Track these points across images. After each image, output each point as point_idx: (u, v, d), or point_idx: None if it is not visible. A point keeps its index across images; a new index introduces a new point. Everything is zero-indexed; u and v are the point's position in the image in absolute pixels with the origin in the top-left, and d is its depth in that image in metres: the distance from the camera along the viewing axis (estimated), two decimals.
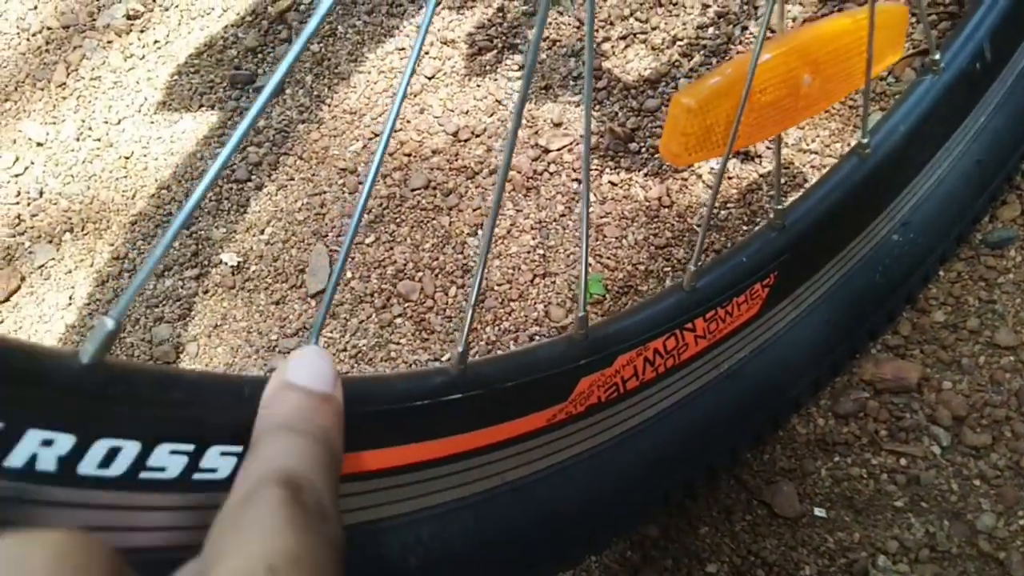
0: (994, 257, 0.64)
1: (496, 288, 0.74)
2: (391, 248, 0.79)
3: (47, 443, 0.27)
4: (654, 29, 0.85)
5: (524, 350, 0.46)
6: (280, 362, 0.34)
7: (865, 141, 0.56)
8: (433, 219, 0.80)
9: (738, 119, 0.45)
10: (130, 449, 0.29)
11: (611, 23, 0.87)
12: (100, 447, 0.29)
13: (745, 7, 0.83)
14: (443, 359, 0.72)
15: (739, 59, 0.47)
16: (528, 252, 0.76)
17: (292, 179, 0.86)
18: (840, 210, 0.56)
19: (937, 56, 0.59)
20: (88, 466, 0.29)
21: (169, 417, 0.30)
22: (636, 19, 0.87)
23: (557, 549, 0.48)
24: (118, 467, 0.29)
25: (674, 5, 0.86)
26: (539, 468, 0.46)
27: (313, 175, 0.86)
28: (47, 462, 0.28)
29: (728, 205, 0.73)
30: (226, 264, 0.82)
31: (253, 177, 0.87)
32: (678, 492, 0.54)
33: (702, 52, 0.82)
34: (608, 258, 0.73)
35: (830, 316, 0.58)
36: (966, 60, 0.60)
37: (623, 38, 0.86)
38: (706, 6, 0.85)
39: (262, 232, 0.83)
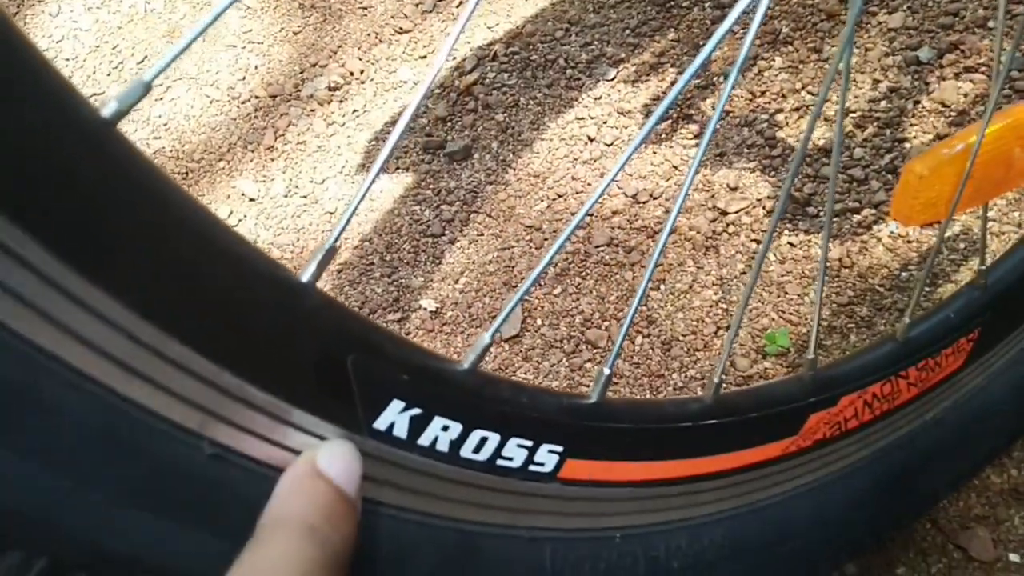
0: None
1: (681, 338, 0.80)
2: (577, 299, 0.86)
3: (445, 428, 0.34)
4: (826, 101, 0.91)
5: (764, 385, 0.51)
6: (321, 445, 0.31)
7: None
8: (616, 274, 0.86)
9: (962, 186, 0.50)
10: (493, 440, 0.36)
11: (783, 95, 0.93)
12: (475, 436, 0.35)
13: (916, 83, 0.88)
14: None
15: (963, 132, 0.52)
16: (710, 306, 0.81)
17: (482, 234, 0.94)
18: None
19: None
20: (467, 450, 0.35)
21: (520, 416, 0.37)
22: (808, 92, 0.92)
23: (783, 570, 0.53)
24: (484, 453, 0.36)
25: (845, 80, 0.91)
26: (773, 494, 0.51)
27: (501, 231, 0.94)
28: (443, 443, 0.35)
29: (909, 267, 0.77)
30: (425, 309, 0.90)
31: (447, 232, 0.96)
32: (887, 529, 0.58)
33: (875, 123, 0.87)
34: (791, 314, 0.78)
35: None
36: None
37: (795, 110, 0.92)
38: (877, 81, 0.90)
39: (456, 281, 0.91)
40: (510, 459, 0.37)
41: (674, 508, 0.46)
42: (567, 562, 0.41)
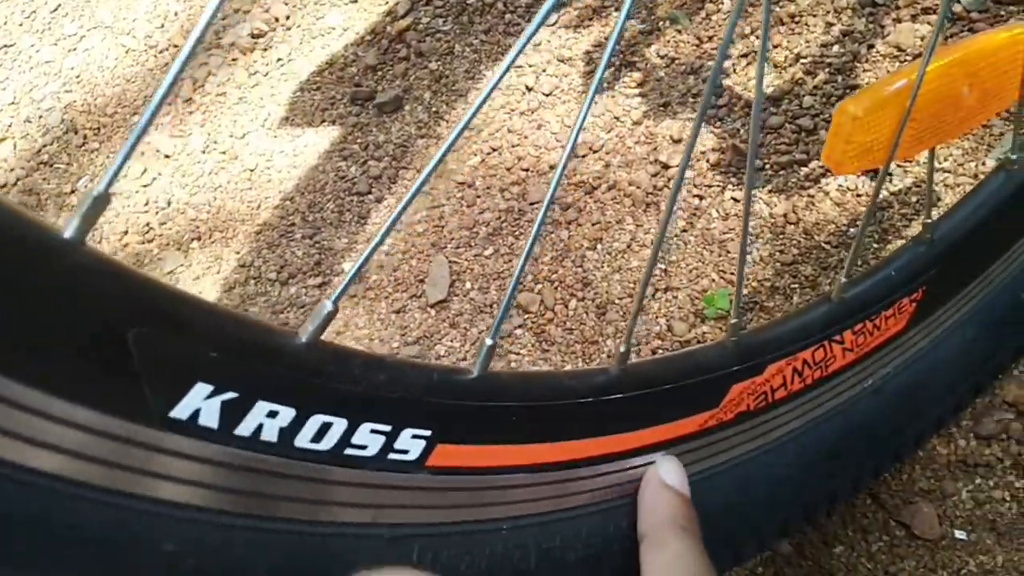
0: None
1: (617, 302, 0.75)
2: (510, 260, 0.80)
3: (272, 415, 0.29)
4: (776, 47, 0.85)
5: (680, 354, 0.46)
6: (658, 461, 0.43)
7: (1014, 157, 0.55)
8: (552, 232, 0.81)
9: (901, 129, 0.45)
10: (339, 426, 0.31)
11: (732, 41, 0.87)
12: (314, 422, 0.30)
13: (871, 26, 0.83)
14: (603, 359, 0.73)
15: (902, 70, 0.46)
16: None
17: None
18: (988, 226, 0.55)
19: None
20: (303, 439, 0.30)
21: (374, 398, 0.32)
22: (757, 36, 0.87)
23: None
24: (328, 442, 0.31)
25: (796, 23, 0.86)
26: (690, 473, 0.46)
27: (431, 188, 0.88)
28: (270, 433, 0.29)
29: (858, 222, 0.72)
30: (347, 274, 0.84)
31: (373, 190, 0.90)
32: (820, 508, 0.53)
33: (827, 70, 0.81)
34: (731, 274, 0.73)
35: (975, 335, 0.57)
36: None
37: (744, 56, 0.86)
38: (830, 24, 0.84)
39: (382, 243, 0.85)
40: (363, 447, 0.32)
41: (574, 493, 0.41)
42: (439, 561, 0.35)
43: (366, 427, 0.31)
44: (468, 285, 0.80)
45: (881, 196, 0.73)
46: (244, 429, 0.28)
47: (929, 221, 0.53)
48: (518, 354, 0.74)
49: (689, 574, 0.38)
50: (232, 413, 0.28)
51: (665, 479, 0.42)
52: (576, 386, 0.40)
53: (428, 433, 0.34)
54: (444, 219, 0.85)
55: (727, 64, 0.86)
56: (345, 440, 0.31)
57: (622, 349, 0.41)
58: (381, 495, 0.33)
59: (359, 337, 0.79)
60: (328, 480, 0.31)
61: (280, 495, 0.30)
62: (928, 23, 0.81)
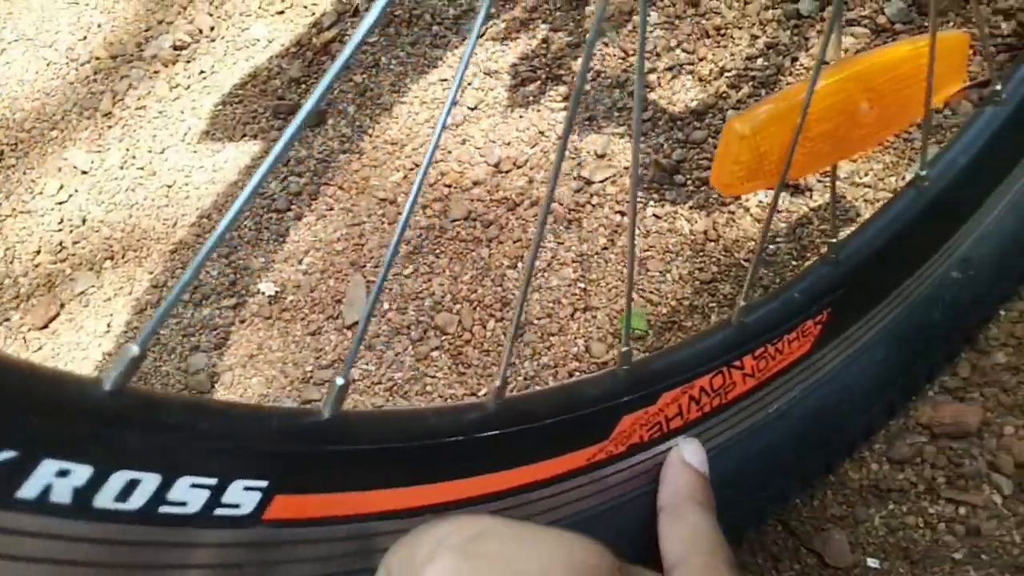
0: None
1: (536, 322, 0.73)
2: (429, 280, 0.78)
3: (63, 473, 0.26)
4: (701, 60, 0.84)
5: (565, 385, 0.44)
6: (680, 443, 0.47)
7: (923, 173, 0.54)
8: (472, 251, 0.78)
9: (792, 148, 0.43)
10: (149, 482, 0.28)
11: (657, 54, 0.86)
12: (119, 479, 0.27)
13: (796, 38, 0.82)
14: (480, 393, 0.70)
15: (796, 86, 0.45)
16: (569, 285, 0.74)
17: (332, 209, 0.86)
18: (897, 245, 0.53)
19: (999, 87, 0.57)
20: (105, 499, 0.27)
21: (194, 448, 0.29)
22: (683, 50, 0.85)
23: None
24: (137, 500, 0.28)
25: (722, 36, 0.84)
26: (575, 511, 0.44)
27: (353, 205, 0.85)
28: (62, 494, 0.26)
29: (777, 239, 0.71)
30: (263, 294, 0.81)
31: (293, 207, 0.87)
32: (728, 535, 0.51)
33: (751, 83, 0.80)
34: (651, 292, 0.71)
35: (886, 356, 0.55)
36: None
37: (669, 69, 0.84)
38: (755, 37, 0.83)
39: (300, 262, 0.83)
40: (182, 504, 0.29)
41: None
42: None
43: (185, 481, 0.29)
44: (386, 305, 0.77)
45: (802, 212, 0.72)
46: (29, 491, 0.25)
47: (834, 241, 0.51)
48: (434, 377, 0.72)
49: (705, 544, 0.41)
50: (12, 474, 0.25)
51: (686, 457, 0.46)
52: (443, 424, 0.38)
53: (264, 484, 0.31)
54: (364, 236, 0.82)
55: (652, 77, 0.84)
56: (159, 497, 0.28)
57: (497, 383, 0.39)
58: (211, 554, 0.31)
59: (272, 360, 0.76)
60: (142, 542, 0.29)
61: (83, 561, 0.27)
62: (853, 35, 0.80)
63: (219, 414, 0.30)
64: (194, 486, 0.29)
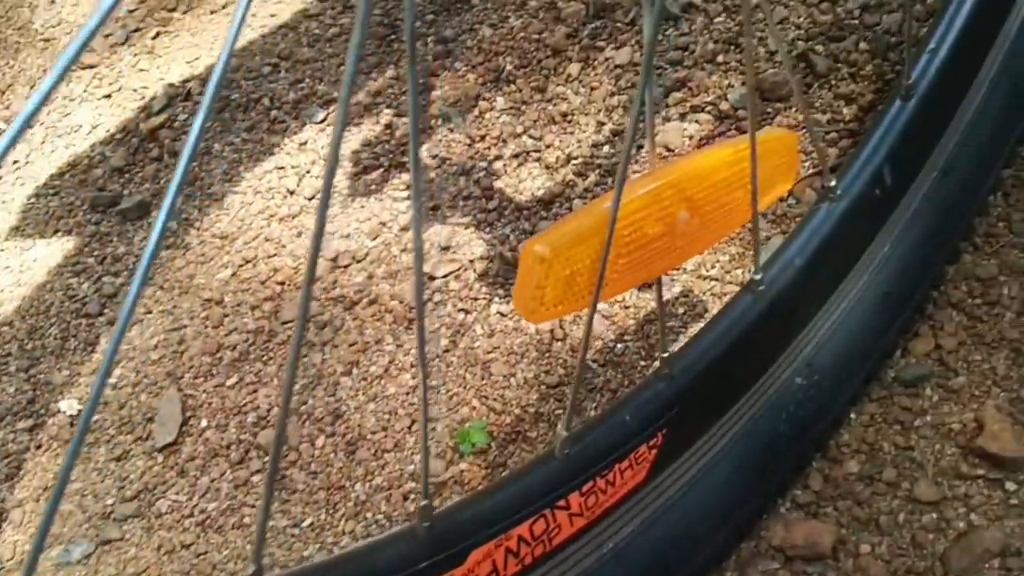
0: (908, 397, 0.58)
1: (369, 437, 0.66)
2: (255, 391, 0.70)
3: None
4: (548, 147, 0.80)
5: (355, 551, 0.37)
6: None
7: (758, 277, 0.50)
8: (304, 356, 0.71)
9: (603, 265, 0.39)
10: None
11: (503, 140, 0.82)
12: None
13: (641, 125, 0.79)
14: (303, 524, 0.62)
15: (603, 198, 0.41)
16: (407, 393, 0.68)
17: (150, 312, 0.77)
18: (735, 354, 0.50)
19: (833, 182, 0.54)
20: None
21: None
22: (530, 136, 0.82)
23: None
24: None
25: (568, 122, 0.81)
26: None
27: (174, 307, 0.77)
28: None
29: (625, 338, 0.67)
30: (64, 413, 0.72)
31: (106, 311, 0.78)
32: None
33: (597, 171, 0.77)
34: (495, 400, 0.66)
35: (730, 475, 0.51)
36: (864, 185, 0.56)
37: (516, 156, 0.81)
38: (601, 124, 0.80)
39: (109, 374, 0.74)
40: None
41: None
42: None
43: None
44: (204, 423, 0.69)
45: (651, 307, 0.68)
46: None
47: (667, 355, 0.47)
48: (252, 507, 0.64)
49: None
50: None
51: None
52: None
53: None
54: (184, 343, 0.74)
55: (498, 164, 0.81)
56: None
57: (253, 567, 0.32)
58: None
59: (69, 493, 0.67)
60: None
61: None
62: (697, 121, 0.79)
63: None
64: None
